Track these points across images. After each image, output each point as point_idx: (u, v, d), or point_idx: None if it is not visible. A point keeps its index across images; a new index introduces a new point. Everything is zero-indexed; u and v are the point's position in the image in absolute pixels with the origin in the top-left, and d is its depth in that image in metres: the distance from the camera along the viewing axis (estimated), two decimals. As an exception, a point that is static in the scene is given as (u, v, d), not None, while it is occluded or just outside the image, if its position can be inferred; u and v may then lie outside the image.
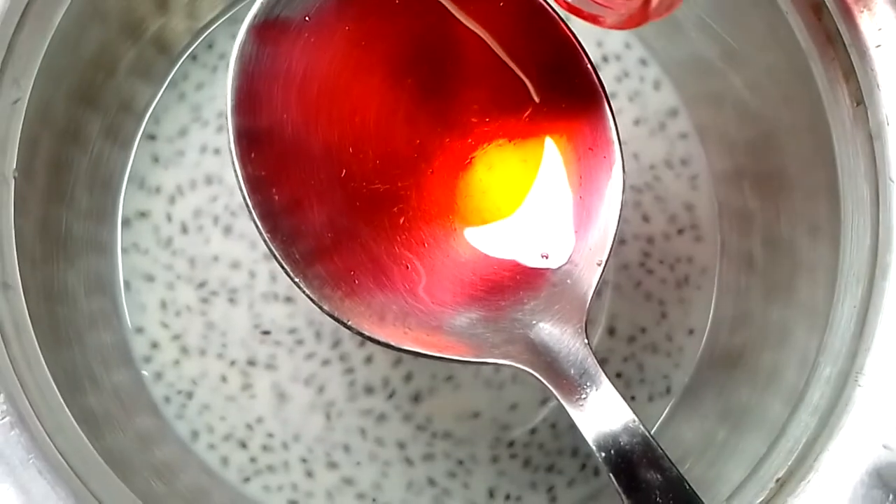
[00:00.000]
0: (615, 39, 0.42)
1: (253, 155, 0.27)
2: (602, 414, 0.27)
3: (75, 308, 0.36)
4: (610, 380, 0.27)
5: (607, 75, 0.41)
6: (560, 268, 0.29)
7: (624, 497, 0.26)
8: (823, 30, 0.31)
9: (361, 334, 0.27)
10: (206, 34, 0.41)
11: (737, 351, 0.39)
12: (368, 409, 0.40)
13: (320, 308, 0.27)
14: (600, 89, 0.29)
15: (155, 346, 0.40)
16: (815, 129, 0.33)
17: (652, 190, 0.41)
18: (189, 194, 0.40)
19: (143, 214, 0.40)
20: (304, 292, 0.27)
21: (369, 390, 0.40)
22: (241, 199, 0.27)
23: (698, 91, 0.41)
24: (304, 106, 0.28)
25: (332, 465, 0.39)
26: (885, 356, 0.29)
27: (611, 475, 0.26)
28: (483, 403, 0.40)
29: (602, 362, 0.30)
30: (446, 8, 0.28)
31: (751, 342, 0.38)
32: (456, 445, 0.40)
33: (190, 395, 0.39)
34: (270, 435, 0.39)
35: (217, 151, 0.40)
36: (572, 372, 0.27)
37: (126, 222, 0.40)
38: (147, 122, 0.40)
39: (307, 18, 0.28)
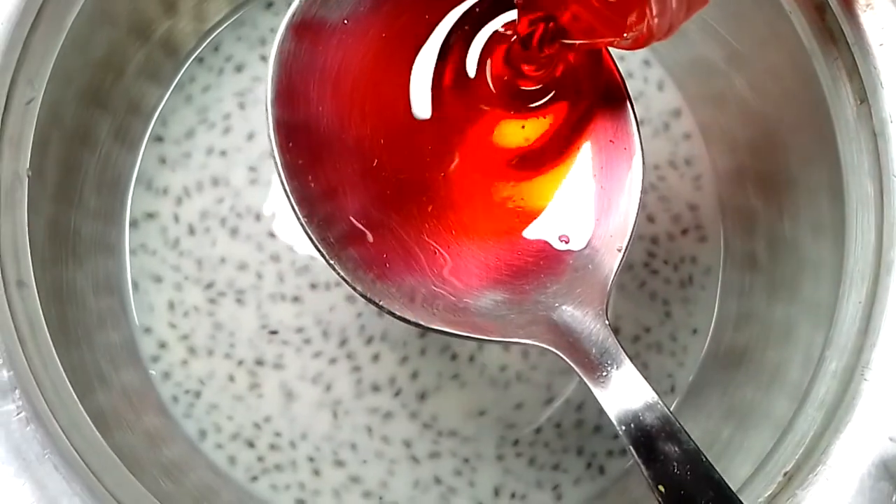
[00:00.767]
0: (618, 41, 0.42)
1: (291, 144, 0.28)
2: (623, 391, 0.28)
3: (84, 308, 0.36)
4: None
5: (611, 76, 0.42)
6: (581, 251, 0.30)
7: (644, 468, 0.27)
8: (826, 29, 0.32)
9: (392, 314, 0.28)
10: (212, 37, 0.42)
11: (741, 349, 0.39)
12: (375, 407, 0.40)
13: (353, 289, 0.28)
14: (622, 85, 0.30)
15: (163, 345, 0.40)
16: (818, 128, 0.33)
17: (656, 190, 0.42)
18: (196, 196, 0.40)
19: (150, 216, 0.40)
20: (338, 274, 0.28)
21: (376, 388, 0.40)
22: (280, 186, 0.28)
23: (701, 91, 0.41)
24: (338, 99, 0.29)
25: (339, 464, 0.40)
26: (891, 351, 0.29)
27: (630, 447, 0.27)
28: (489, 402, 0.40)
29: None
30: (477, 11, 0.30)
31: (755, 340, 0.39)
32: (462, 444, 0.40)
33: (198, 395, 0.40)
34: (278, 434, 0.40)
35: (223, 153, 0.41)
36: (594, 352, 0.28)
37: (134, 223, 0.40)
38: (154, 124, 0.41)
39: (344, 20, 0.29)
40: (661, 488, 0.26)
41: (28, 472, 0.26)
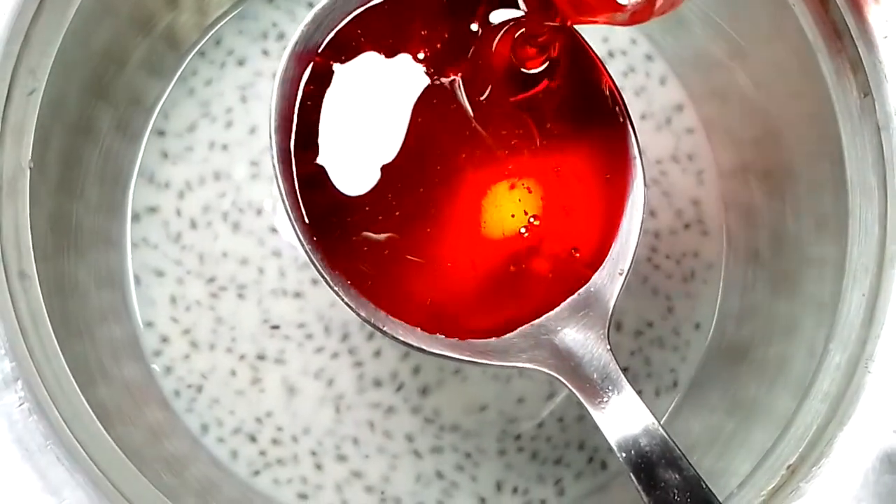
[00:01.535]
0: (621, 36, 0.42)
1: (293, 172, 0.29)
2: (623, 417, 0.28)
3: (86, 302, 0.36)
4: None
5: (613, 70, 0.42)
6: (585, 276, 0.30)
7: (644, 495, 0.27)
8: (830, 22, 0.32)
9: (396, 339, 0.29)
10: (214, 30, 0.41)
11: (744, 344, 0.39)
12: (377, 402, 0.40)
13: (358, 315, 0.29)
14: (624, 110, 0.31)
15: (165, 340, 0.40)
16: (821, 122, 0.33)
17: (658, 185, 0.42)
18: (198, 190, 0.40)
19: (152, 209, 0.40)
20: (343, 301, 0.29)
21: (378, 383, 0.40)
22: (283, 208, 0.29)
23: (704, 86, 0.41)
24: (342, 125, 0.29)
25: (341, 458, 0.40)
26: (895, 343, 0.29)
27: (631, 475, 0.27)
28: (490, 397, 0.40)
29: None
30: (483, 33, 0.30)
31: (758, 335, 0.39)
32: (464, 438, 0.40)
33: (200, 389, 0.40)
34: (280, 428, 0.40)
35: (225, 148, 0.41)
36: (595, 376, 0.28)
37: (136, 217, 0.40)
38: (156, 117, 0.41)
39: (342, 43, 0.30)
40: None
41: (30, 462, 0.26)
